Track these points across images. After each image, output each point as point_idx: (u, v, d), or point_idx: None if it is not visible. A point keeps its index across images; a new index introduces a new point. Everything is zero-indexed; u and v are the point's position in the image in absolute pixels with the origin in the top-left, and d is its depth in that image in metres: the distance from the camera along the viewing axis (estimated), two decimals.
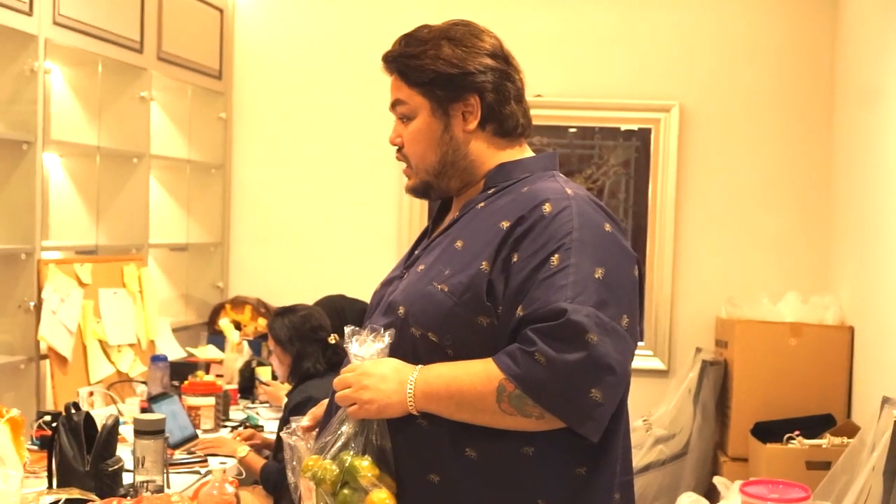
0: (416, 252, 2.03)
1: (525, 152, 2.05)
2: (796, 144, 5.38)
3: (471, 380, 1.78)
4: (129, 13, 4.66)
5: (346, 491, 1.82)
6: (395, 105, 2.02)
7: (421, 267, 1.94)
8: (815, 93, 5.34)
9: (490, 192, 1.96)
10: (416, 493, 1.84)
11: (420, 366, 1.84)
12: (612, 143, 5.55)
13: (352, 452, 1.84)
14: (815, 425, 4.55)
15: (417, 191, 2.05)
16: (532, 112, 2.08)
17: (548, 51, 5.45)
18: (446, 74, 1.95)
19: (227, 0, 5.66)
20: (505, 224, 1.85)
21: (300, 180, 5.73)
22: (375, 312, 2.00)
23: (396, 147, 2.04)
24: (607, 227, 1.86)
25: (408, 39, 2.01)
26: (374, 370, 1.84)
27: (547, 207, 1.84)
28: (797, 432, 4.42)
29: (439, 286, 1.85)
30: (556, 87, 5.38)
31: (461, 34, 1.99)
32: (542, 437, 1.80)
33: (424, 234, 2.10)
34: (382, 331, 1.87)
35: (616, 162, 5.55)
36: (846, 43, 5.12)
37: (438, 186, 2.02)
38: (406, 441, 1.85)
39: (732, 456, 4.84)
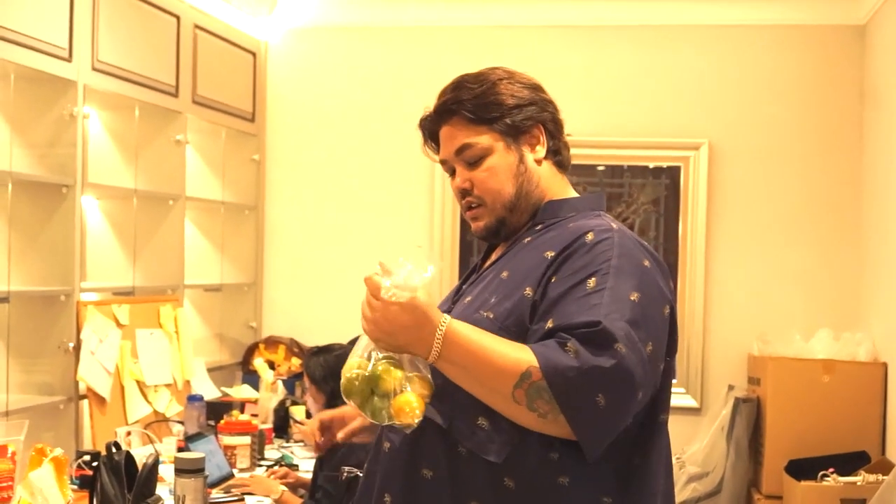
0: (464, 287, 2.07)
1: (570, 188, 2.10)
2: (826, 180, 5.38)
3: (498, 357, 1.77)
4: (165, 58, 4.75)
5: (376, 402, 1.77)
6: (460, 151, 2.03)
7: (468, 299, 1.98)
8: (844, 128, 5.36)
9: (538, 228, 2.01)
10: None
11: (448, 322, 1.78)
12: (641, 181, 5.58)
13: (379, 355, 1.79)
14: (850, 462, 4.52)
15: (490, 230, 2.06)
16: None
17: (576, 90, 5.49)
18: (514, 107, 2.01)
19: (260, 44, 5.75)
20: (549, 254, 1.90)
21: (333, 221, 5.79)
22: None
23: (462, 193, 2.05)
24: (646, 262, 1.89)
25: (458, 85, 2.05)
26: (393, 319, 1.76)
27: (589, 236, 1.90)
28: (831, 469, 4.40)
29: (485, 313, 1.89)
30: (585, 126, 5.41)
31: (505, 73, 2.06)
32: (577, 468, 1.82)
33: (473, 271, 2.13)
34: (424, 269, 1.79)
35: (646, 200, 5.58)
36: (874, 77, 5.14)
37: (510, 222, 2.04)
38: (446, 470, 1.88)
39: (767, 494, 4.82)
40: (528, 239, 1.99)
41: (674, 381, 2.00)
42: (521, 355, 1.76)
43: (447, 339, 1.78)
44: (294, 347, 5.49)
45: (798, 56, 5.41)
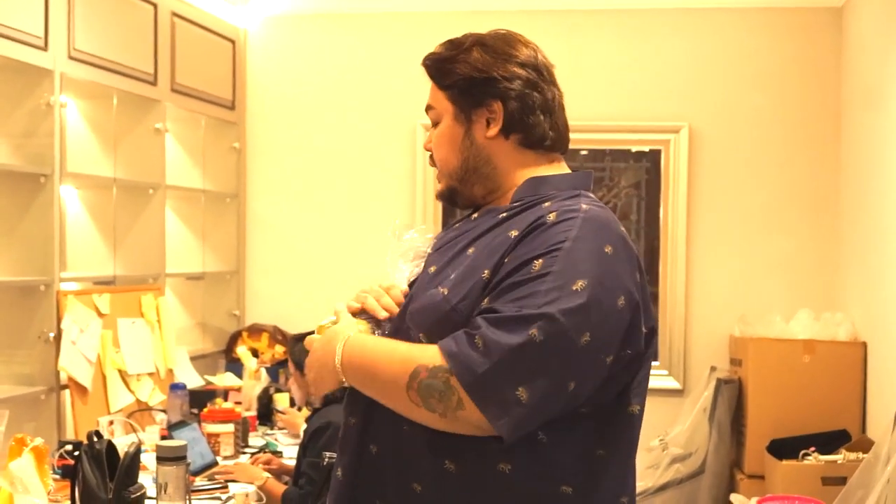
0: (434, 254, 1.99)
1: (559, 169, 2.01)
2: (805, 162, 5.41)
3: (390, 360, 1.78)
4: (142, 46, 4.73)
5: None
6: (427, 109, 2.03)
7: (433, 269, 1.93)
8: (823, 110, 5.38)
9: (516, 205, 1.92)
10: (401, 500, 1.84)
11: (350, 336, 1.87)
12: (622, 164, 5.59)
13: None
14: (831, 441, 4.56)
15: (444, 196, 2.04)
16: None
17: (557, 75, 5.47)
18: (469, 78, 1.94)
19: (239, 31, 5.73)
20: (514, 233, 1.83)
21: (314, 208, 5.78)
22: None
23: (430, 153, 2.05)
24: (608, 248, 1.78)
25: (448, 44, 2.01)
26: (317, 348, 1.93)
27: (552, 216, 1.81)
28: (812, 448, 4.43)
29: (442, 289, 1.83)
30: (566, 111, 5.40)
31: (495, 41, 1.98)
32: (522, 457, 1.77)
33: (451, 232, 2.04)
34: (420, 262, 1.98)
35: (627, 184, 5.59)
36: (852, 63, 5.15)
37: (463, 192, 2.00)
38: (391, 448, 1.85)
39: (749, 473, 4.85)
40: (504, 214, 1.90)
41: (656, 364, 1.99)
42: (411, 355, 1.76)
43: (346, 350, 1.85)
44: (277, 335, 5.49)
45: (776, 38, 5.42)
